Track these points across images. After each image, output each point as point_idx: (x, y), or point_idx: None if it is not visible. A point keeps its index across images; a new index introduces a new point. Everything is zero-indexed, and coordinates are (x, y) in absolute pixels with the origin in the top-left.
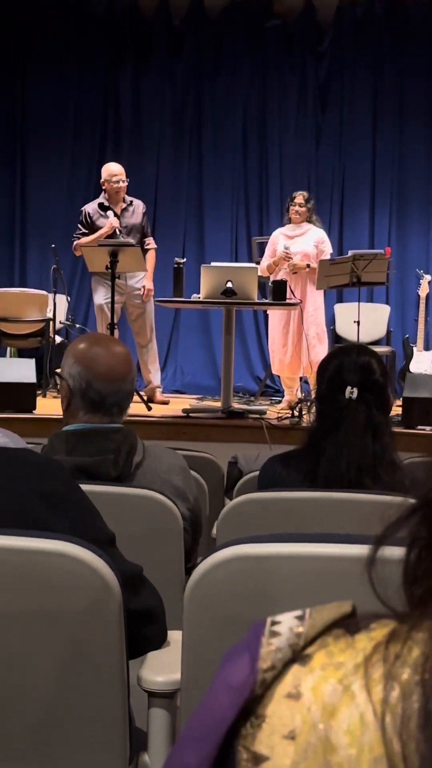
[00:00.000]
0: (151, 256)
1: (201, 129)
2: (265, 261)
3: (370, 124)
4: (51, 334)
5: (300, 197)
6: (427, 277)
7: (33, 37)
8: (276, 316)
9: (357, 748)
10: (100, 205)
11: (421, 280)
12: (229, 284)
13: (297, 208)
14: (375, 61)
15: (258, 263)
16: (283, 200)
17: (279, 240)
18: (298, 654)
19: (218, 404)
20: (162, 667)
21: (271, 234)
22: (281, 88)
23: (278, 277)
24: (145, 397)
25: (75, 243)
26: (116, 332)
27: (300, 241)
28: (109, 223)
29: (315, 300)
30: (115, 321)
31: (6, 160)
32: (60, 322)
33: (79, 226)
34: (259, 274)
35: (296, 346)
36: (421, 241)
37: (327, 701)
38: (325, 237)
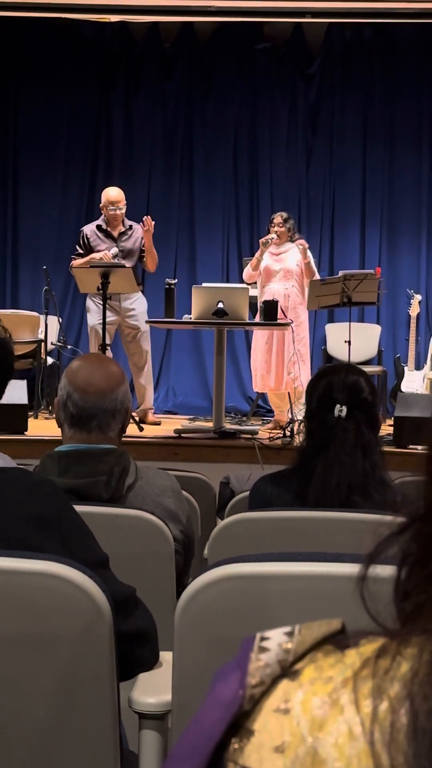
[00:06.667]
0: (155, 254)
1: (192, 151)
2: (248, 269)
3: (360, 145)
4: (43, 356)
5: (278, 218)
6: (418, 297)
7: (24, 61)
8: (259, 333)
9: (345, 762)
10: (99, 228)
11: (411, 300)
12: (220, 305)
13: (276, 228)
14: (364, 83)
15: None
16: None
17: (264, 257)
18: (286, 670)
19: (210, 425)
20: (153, 689)
21: None
22: (271, 110)
23: (265, 296)
24: (137, 418)
25: (71, 264)
26: (109, 353)
27: (284, 258)
28: (104, 253)
29: (299, 316)
30: (109, 342)
31: None
32: (52, 344)
33: (77, 247)
34: (245, 279)
35: (279, 362)
36: (411, 260)
37: (316, 714)
38: (305, 244)
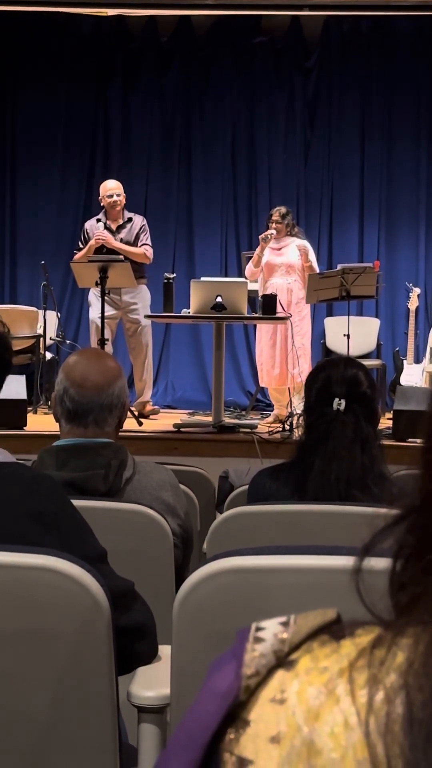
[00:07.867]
0: (139, 250)
1: (190, 145)
2: (250, 266)
3: (358, 139)
4: (41, 351)
5: (276, 214)
6: (417, 290)
7: (21, 57)
8: (263, 328)
9: (341, 752)
10: (98, 221)
11: (410, 293)
12: (219, 299)
13: (275, 225)
14: (362, 76)
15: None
16: None
17: (265, 253)
18: (282, 660)
19: (209, 419)
20: (151, 682)
21: None
22: (269, 104)
23: (268, 291)
24: (136, 413)
25: (73, 258)
26: (109, 347)
27: (285, 252)
28: (94, 240)
29: (301, 311)
30: (109, 337)
31: None
32: (50, 339)
33: (79, 243)
34: (248, 277)
35: (283, 357)
36: (410, 254)
37: (311, 705)
38: (306, 245)
